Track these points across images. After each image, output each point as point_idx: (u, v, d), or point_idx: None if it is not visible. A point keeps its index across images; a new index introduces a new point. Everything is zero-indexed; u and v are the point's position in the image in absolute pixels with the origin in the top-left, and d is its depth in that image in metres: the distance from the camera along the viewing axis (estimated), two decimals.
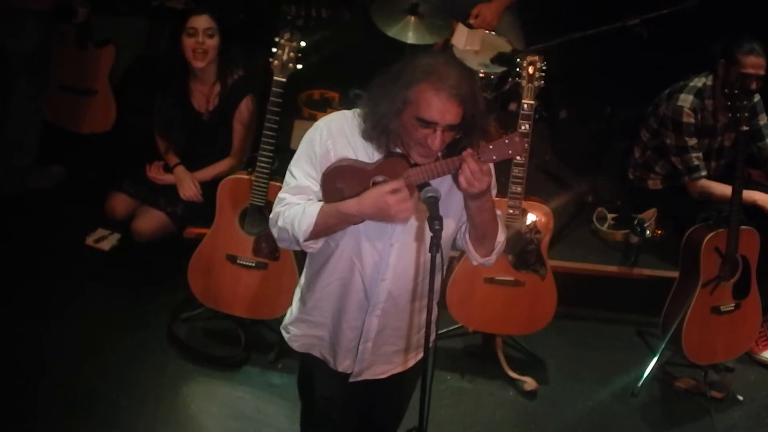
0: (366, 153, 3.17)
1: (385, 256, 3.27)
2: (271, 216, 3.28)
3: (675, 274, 5.13)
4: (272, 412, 4.81)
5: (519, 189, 4.67)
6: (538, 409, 5.02)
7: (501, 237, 3.30)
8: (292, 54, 4.59)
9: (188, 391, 4.86)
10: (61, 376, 4.79)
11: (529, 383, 5.07)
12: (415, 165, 3.10)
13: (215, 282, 4.91)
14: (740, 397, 5.18)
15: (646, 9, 5.47)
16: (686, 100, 5.31)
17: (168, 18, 6.23)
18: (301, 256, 4.69)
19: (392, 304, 3.37)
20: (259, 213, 4.76)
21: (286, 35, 4.61)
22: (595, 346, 5.46)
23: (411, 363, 3.59)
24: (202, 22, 4.97)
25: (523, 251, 4.84)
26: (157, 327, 5.15)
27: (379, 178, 3.13)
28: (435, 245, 2.94)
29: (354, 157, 3.17)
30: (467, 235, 3.30)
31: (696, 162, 5.35)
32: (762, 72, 5.11)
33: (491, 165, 3.11)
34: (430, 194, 3.04)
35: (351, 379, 3.53)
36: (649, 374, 5.13)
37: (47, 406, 4.64)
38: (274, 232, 3.27)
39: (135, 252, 5.38)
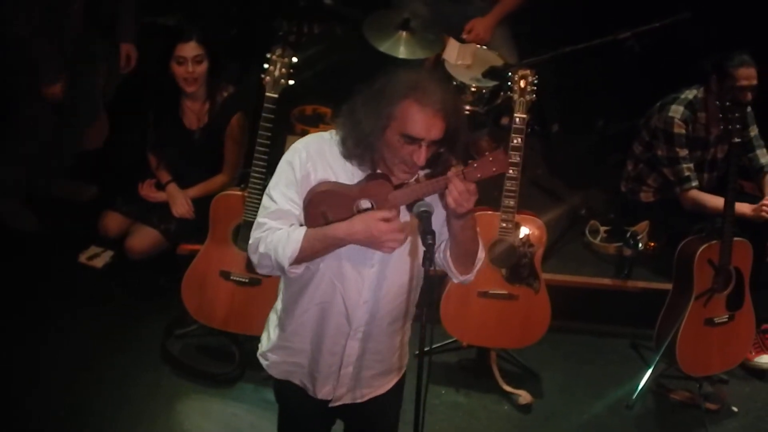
0: (346, 174, 3.14)
1: (367, 278, 3.23)
2: (250, 242, 3.20)
3: (668, 286, 5.14)
4: (266, 428, 4.77)
5: (512, 203, 4.68)
6: (533, 423, 5.01)
7: (481, 254, 3.29)
8: (284, 70, 4.59)
9: (182, 407, 4.85)
10: (54, 392, 4.78)
11: (524, 397, 5.06)
12: (399, 186, 3.09)
13: (209, 298, 4.90)
14: (735, 409, 5.18)
15: (637, 22, 5.49)
16: (677, 111, 5.33)
17: (160, 35, 6.23)
18: None
19: (373, 326, 3.32)
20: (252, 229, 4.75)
21: (278, 51, 4.61)
22: (590, 359, 5.46)
23: (389, 385, 3.55)
24: (189, 50, 4.96)
25: (517, 265, 4.84)
26: (151, 344, 5.14)
27: (365, 203, 3.12)
28: (428, 259, 2.92)
29: (334, 179, 3.14)
30: (448, 253, 3.27)
31: (687, 173, 5.36)
32: (755, 81, 5.13)
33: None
34: (423, 209, 3.03)
35: (331, 404, 3.48)
36: (643, 387, 5.13)
37: (41, 423, 4.64)
38: (254, 258, 3.18)
39: (128, 269, 5.37)
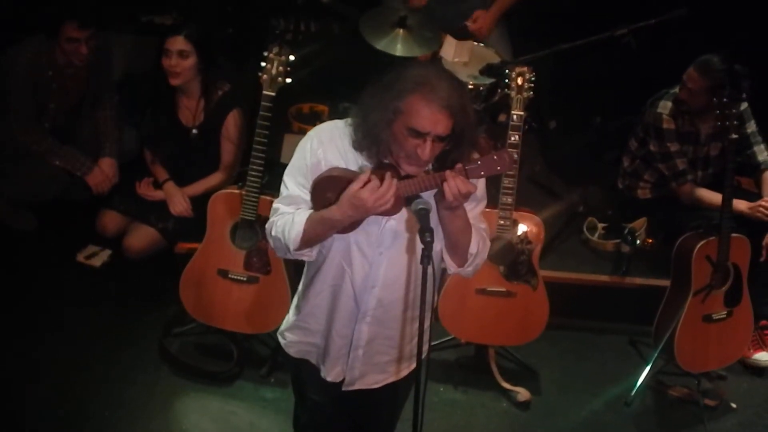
0: (356, 162, 3.19)
1: (375, 264, 3.29)
2: (266, 225, 3.32)
3: (666, 282, 5.14)
4: (265, 427, 4.80)
5: (509, 200, 4.68)
6: (531, 420, 5.02)
7: (474, 248, 3.29)
8: (281, 68, 4.59)
9: (181, 406, 4.85)
10: (52, 392, 4.78)
11: (522, 394, 5.07)
12: (405, 177, 3.11)
13: (207, 297, 4.90)
14: (733, 405, 5.18)
15: (634, 19, 5.48)
16: (665, 107, 5.35)
17: (157, 34, 6.23)
18: (293, 270, 4.71)
19: (383, 312, 3.38)
20: (249, 227, 4.75)
21: (275, 49, 4.61)
22: (588, 356, 5.46)
23: (404, 373, 3.60)
24: (175, 44, 4.95)
25: (515, 262, 4.84)
26: (149, 342, 5.14)
27: None
28: (426, 257, 2.94)
29: (344, 167, 3.19)
30: (440, 244, 3.31)
31: (681, 167, 5.38)
32: (690, 85, 5.18)
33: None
34: (420, 206, 3.05)
35: (344, 388, 3.54)
36: (642, 383, 5.12)
37: (38, 423, 4.64)
38: (270, 241, 3.31)
39: (126, 268, 5.37)
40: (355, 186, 3.05)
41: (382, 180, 3.05)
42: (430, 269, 2.97)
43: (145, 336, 5.18)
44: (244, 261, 4.82)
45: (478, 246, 3.30)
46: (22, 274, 5.43)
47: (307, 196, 3.22)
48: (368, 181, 3.05)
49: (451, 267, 3.35)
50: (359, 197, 3.03)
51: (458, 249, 3.28)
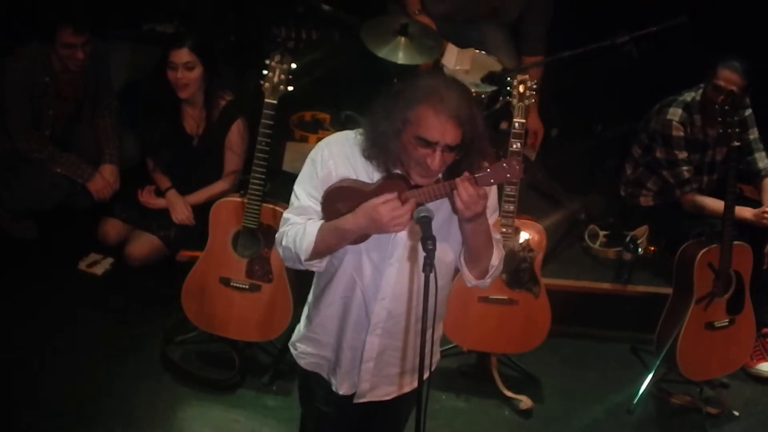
0: (366, 173, 3.20)
1: (385, 275, 3.28)
2: (276, 236, 3.32)
3: (668, 290, 5.14)
4: None
5: (511, 207, 4.68)
6: (533, 428, 5.01)
7: (495, 260, 3.30)
8: (283, 76, 4.59)
9: (183, 414, 4.85)
10: (54, 401, 4.77)
11: (525, 402, 5.06)
12: (415, 186, 3.11)
13: (209, 305, 4.90)
14: (736, 413, 5.18)
15: (635, 26, 5.49)
16: (675, 113, 5.34)
17: (159, 42, 6.23)
18: (295, 278, 4.70)
19: (393, 324, 3.38)
20: (251, 235, 4.75)
21: (277, 57, 4.61)
22: (590, 364, 5.45)
23: (408, 387, 3.58)
24: (181, 56, 4.95)
25: (517, 270, 4.84)
26: (151, 351, 5.13)
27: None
28: (428, 265, 2.94)
29: (354, 177, 3.19)
30: (462, 257, 3.31)
31: (686, 175, 5.38)
32: (733, 87, 5.11)
33: (494, 188, 3.18)
34: (422, 214, 3.05)
35: (355, 400, 3.52)
36: (644, 391, 5.12)
37: (39, 429, 4.63)
38: (280, 251, 3.30)
39: (128, 276, 5.37)
40: (377, 200, 3.05)
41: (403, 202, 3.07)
42: (439, 281, 2.96)
43: (146, 344, 5.17)
44: (246, 269, 4.82)
45: (500, 258, 3.32)
46: (24, 282, 5.42)
47: (318, 207, 3.22)
48: (389, 200, 3.05)
49: (471, 280, 3.34)
50: (378, 211, 3.03)
51: (480, 263, 3.28)
